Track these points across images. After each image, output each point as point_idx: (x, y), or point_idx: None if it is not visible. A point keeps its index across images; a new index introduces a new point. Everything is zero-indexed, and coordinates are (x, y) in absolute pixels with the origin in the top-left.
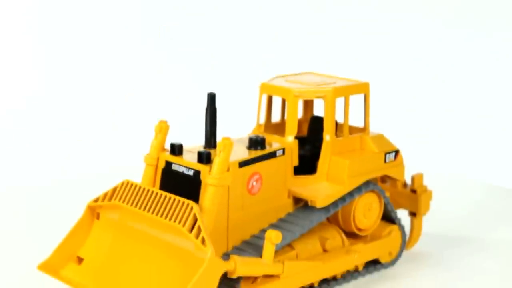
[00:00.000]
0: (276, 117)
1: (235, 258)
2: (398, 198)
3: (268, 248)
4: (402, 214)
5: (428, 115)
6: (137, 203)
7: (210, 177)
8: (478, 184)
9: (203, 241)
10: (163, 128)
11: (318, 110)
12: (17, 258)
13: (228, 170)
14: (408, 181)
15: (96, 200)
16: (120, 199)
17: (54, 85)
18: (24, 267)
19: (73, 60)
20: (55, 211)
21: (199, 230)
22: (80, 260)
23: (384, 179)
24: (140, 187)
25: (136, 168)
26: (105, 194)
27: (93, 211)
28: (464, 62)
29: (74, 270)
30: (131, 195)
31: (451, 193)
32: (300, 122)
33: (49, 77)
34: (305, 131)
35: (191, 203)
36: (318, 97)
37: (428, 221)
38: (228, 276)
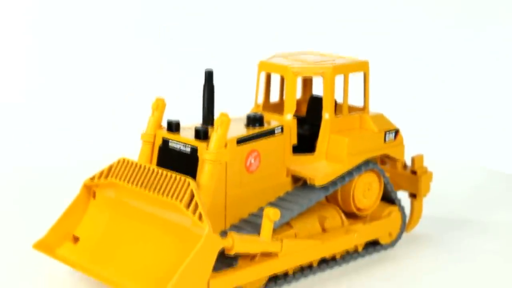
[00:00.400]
0: (274, 98)
1: (232, 234)
2: (398, 179)
3: (266, 226)
4: (402, 196)
5: (429, 100)
6: (134, 180)
7: (207, 153)
8: (478, 169)
9: (200, 217)
10: (159, 106)
11: (317, 91)
12: (13, 237)
13: (225, 146)
14: (408, 163)
15: (92, 179)
16: (116, 176)
17: (54, 81)
18: (20, 246)
19: (73, 51)
20: (52, 191)
21: (196, 206)
22: (76, 239)
23: (384, 160)
24: (136, 165)
25: (135, 149)
26: (101, 172)
27: (89, 190)
28: (464, 53)
29: (70, 249)
30: (128, 172)
31: (451, 177)
32: (299, 102)
33: (50, 75)
34: (304, 111)
35: (188, 179)
36: (317, 74)
37: (428, 204)
38: (226, 253)
